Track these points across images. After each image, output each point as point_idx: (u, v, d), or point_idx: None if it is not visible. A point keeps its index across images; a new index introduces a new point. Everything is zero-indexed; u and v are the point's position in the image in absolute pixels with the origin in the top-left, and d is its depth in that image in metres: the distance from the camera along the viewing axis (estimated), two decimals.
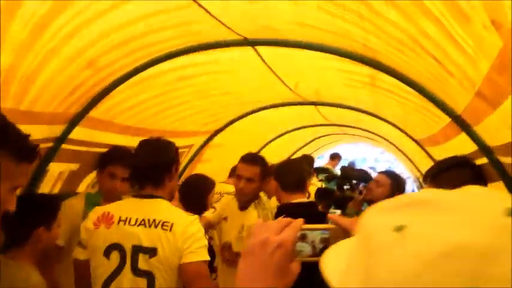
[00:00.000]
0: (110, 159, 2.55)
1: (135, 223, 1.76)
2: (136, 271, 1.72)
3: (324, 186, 4.31)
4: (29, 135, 1.19)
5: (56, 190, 2.63)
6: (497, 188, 2.02)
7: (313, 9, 1.76)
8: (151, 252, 1.72)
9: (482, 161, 2.07)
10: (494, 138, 1.90)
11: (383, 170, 3.48)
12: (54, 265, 2.29)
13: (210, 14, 1.92)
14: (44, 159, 2.37)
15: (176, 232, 1.73)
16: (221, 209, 2.99)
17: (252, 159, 2.70)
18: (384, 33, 1.70)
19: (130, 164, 1.95)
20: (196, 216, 1.90)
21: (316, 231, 0.75)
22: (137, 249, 1.72)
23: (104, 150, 2.67)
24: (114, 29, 1.89)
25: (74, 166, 2.67)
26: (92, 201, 2.52)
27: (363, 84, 2.82)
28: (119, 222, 1.78)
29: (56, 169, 2.52)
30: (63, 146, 2.42)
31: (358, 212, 3.02)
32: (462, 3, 1.20)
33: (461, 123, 2.11)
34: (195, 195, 2.90)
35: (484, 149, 1.98)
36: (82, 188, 2.83)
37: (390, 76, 2.26)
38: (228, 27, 2.11)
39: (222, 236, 2.85)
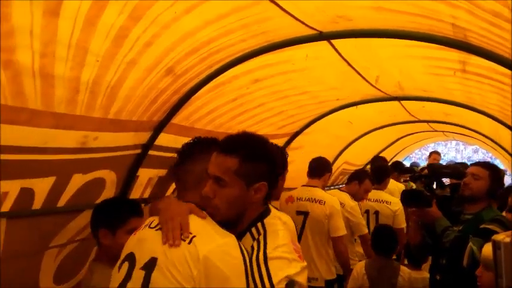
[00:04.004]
0: None
1: None
2: None
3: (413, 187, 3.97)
4: None
5: (146, 195, 2.74)
6: None
7: None
8: None
9: None
10: None
11: (476, 161, 3.11)
12: None
13: (281, 8, 1.88)
14: (133, 166, 2.48)
15: None
16: None
17: (231, 145, 1.40)
18: (476, 6, 1.51)
19: None
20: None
21: None
22: None
23: None
24: (187, 35, 1.92)
25: (161, 172, 2.76)
26: None
27: (451, 71, 2.57)
28: None
29: (145, 175, 2.63)
30: (150, 152, 2.51)
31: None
32: None
33: None
34: None
35: None
36: (170, 192, 2.93)
37: (484, 58, 2.03)
38: (301, 21, 2.05)
39: None
